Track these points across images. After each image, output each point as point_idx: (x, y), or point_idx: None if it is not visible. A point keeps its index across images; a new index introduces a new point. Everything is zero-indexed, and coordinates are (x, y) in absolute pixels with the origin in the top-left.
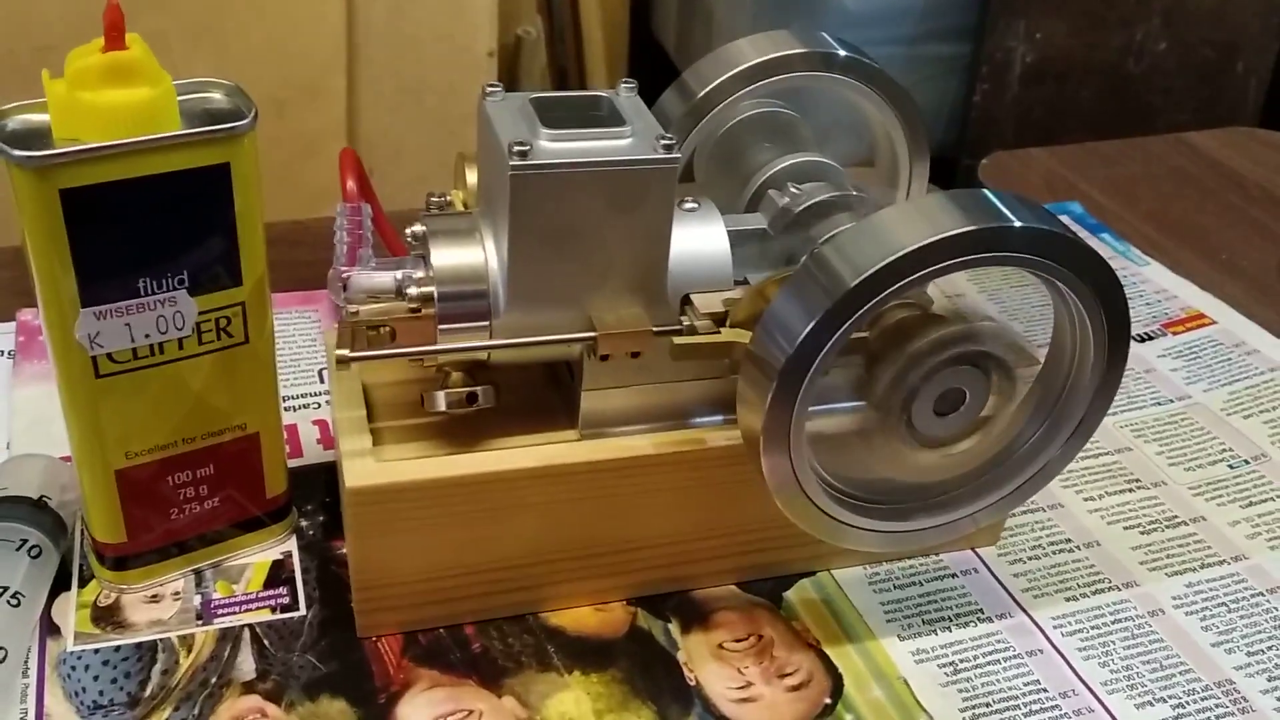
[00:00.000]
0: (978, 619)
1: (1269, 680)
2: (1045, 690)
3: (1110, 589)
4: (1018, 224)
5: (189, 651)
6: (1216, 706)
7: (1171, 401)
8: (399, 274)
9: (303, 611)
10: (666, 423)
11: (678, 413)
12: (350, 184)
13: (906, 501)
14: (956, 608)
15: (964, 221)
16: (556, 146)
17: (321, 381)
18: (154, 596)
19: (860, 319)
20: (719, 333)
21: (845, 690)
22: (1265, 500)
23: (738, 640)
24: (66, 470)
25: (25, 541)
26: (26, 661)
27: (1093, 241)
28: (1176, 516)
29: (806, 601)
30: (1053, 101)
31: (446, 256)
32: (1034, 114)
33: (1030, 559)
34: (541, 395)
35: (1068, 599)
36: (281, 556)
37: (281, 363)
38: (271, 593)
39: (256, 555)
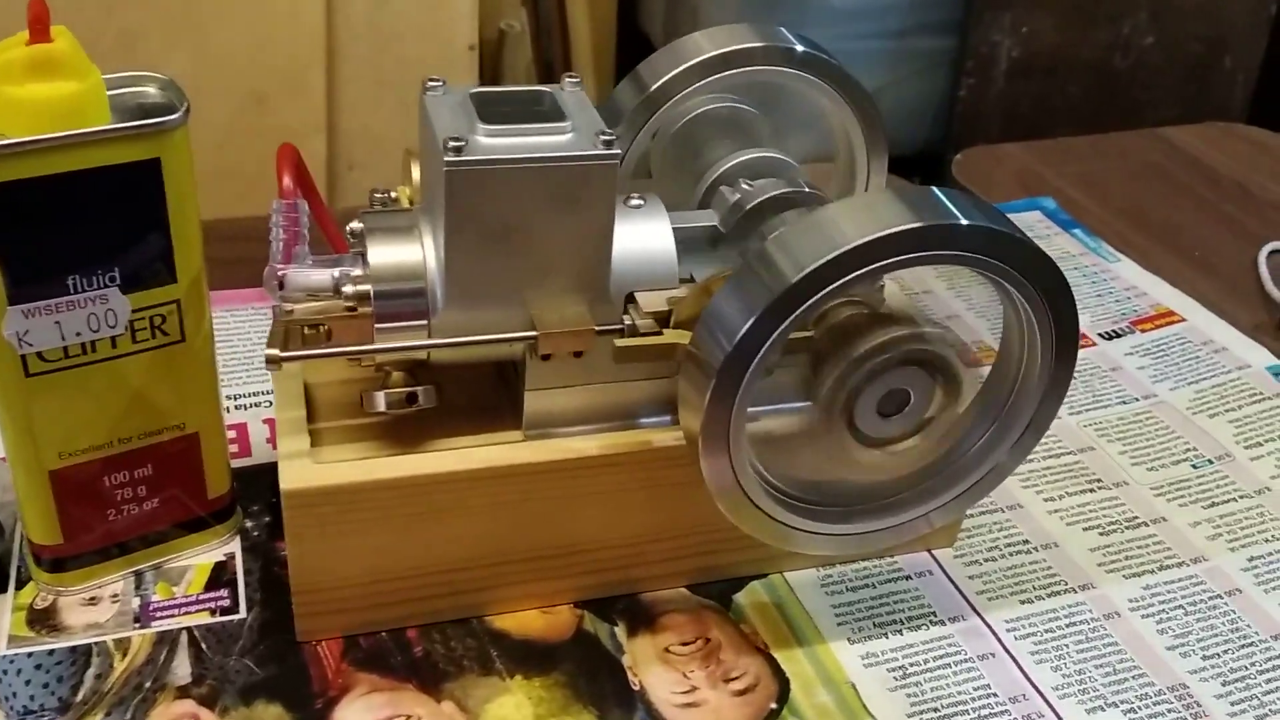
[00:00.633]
0: (930, 622)
1: (1223, 685)
2: (995, 695)
3: (1066, 591)
4: (964, 222)
5: (124, 655)
6: (1169, 712)
7: (1137, 400)
8: (336, 272)
9: (243, 614)
10: (614, 423)
11: (625, 413)
12: (286, 180)
13: (853, 504)
14: (909, 610)
15: (910, 218)
16: (493, 142)
17: None
18: (92, 599)
19: (802, 316)
20: (660, 334)
21: (792, 695)
22: (1228, 501)
23: (684, 644)
24: (4, 471)
25: None
26: None
27: (1064, 238)
28: (1137, 517)
29: (757, 604)
30: (1039, 97)
31: (383, 254)
32: (1020, 109)
33: (987, 560)
34: (489, 395)
35: (1023, 601)
36: (224, 558)
37: (233, 360)
38: (212, 595)
39: (199, 556)
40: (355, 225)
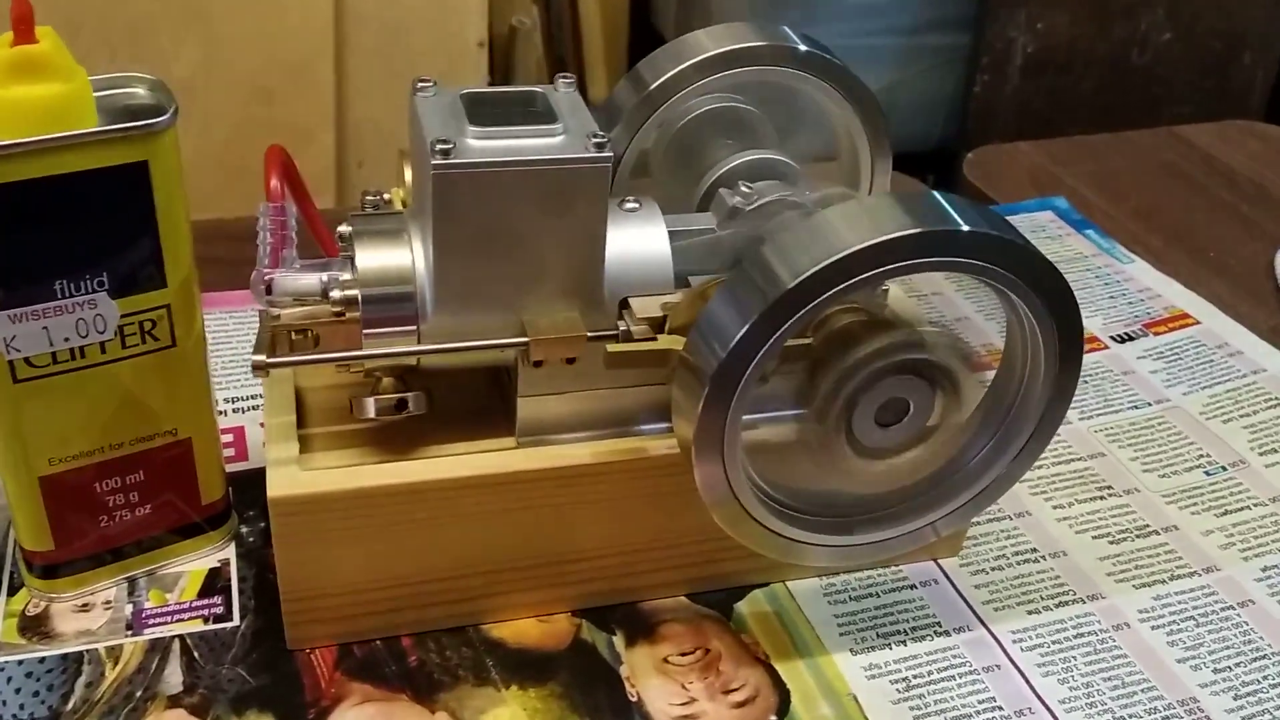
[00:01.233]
0: (935, 632)
1: (1234, 699)
2: (1000, 708)
3: (1074, 601)
4: (965, 228)
5: (115, 663)
6: None
7: (1149, 405)
8: (324, 276)
9: (236, 622)
10: (609, 430)
11: (620, 420)
12: (274, 182)
13: (852, 515)
14: (914, 621)
15: (909, 224)
16: (483, 145)
17: None
18: (84, 605)
19: (798, 323)
20: (655, 340)
21: (792, 707)
22: (1241, 509)
23: (683, 654)
24: None
25: None
26: None
27: (1076, 238)
28: (1148, 526)
29: (758, 614)
30: (1054, 93)
31: (372, 258)
32: (1035, 106)
33: (993, 570)
34: (484, 401)
35: (1030, 612)
36: (219, 564)
37: (231, 364)
38: (205, 602)
39: (193, 563)
40: (344, 229)
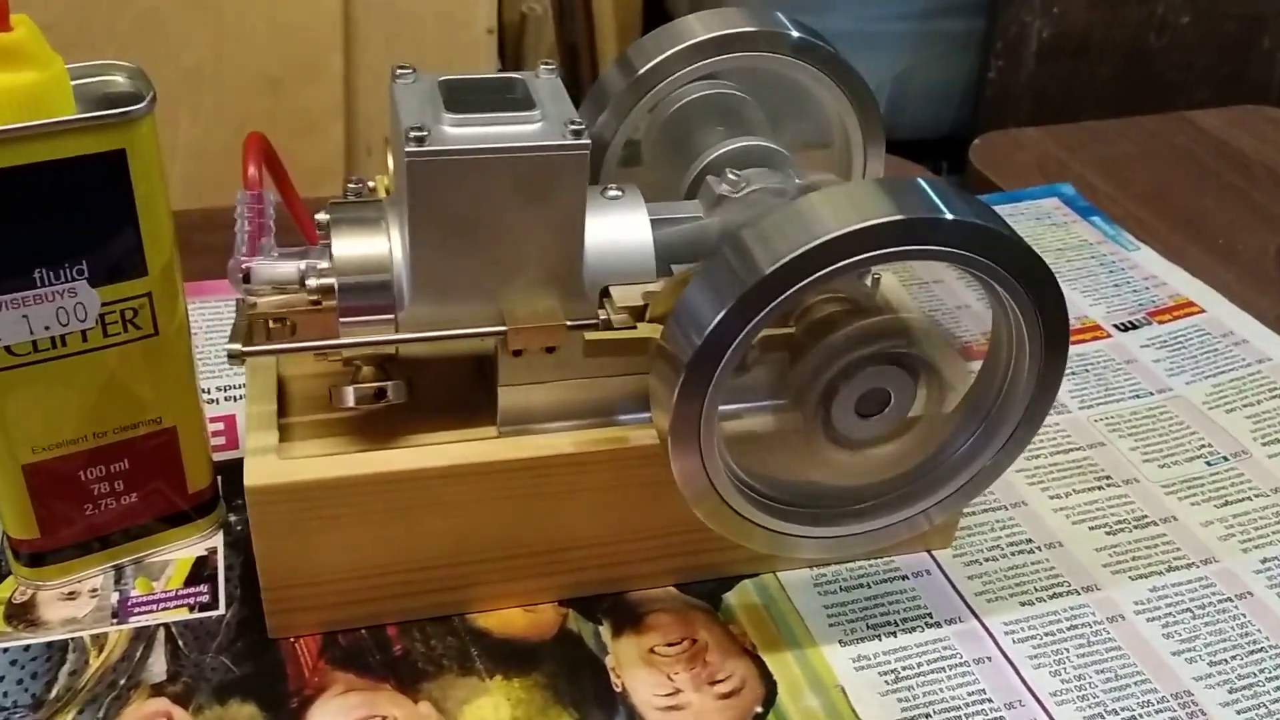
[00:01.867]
0: (926, 624)
1: (1230, 692)
2: (990, 700)
3: (1069, 593)
4: (949, 216)
5: (100, 652)
6: (1171, 719)
7: (1151, 394)
8: (302, 264)
9: (222, 610)
10: (591, 420)
11: (602, 409)
12: (251, 170)
13: (836, 506)
14: (904, 612)
15: (892, 210)
16: (458, 131)
17: None
18: (71, 593)
19: (776, 310)
20: (634, 328)
21: (778, 698)
22: (1242, 500)
23: (670, 644)
24: None
25: None
26: None
27: (1082, 225)
28: (1146, 516)
29: (746, 604)
30: (1070, 78)
31: (348, 246)
32: (1050, 91)
33: (987, 560)
34: (466, 391)
35: (1023, 603)
36: (206, 553)
37: (223, 353)
38: (191, 591)
39: (180, 551)
40: (322, 216)
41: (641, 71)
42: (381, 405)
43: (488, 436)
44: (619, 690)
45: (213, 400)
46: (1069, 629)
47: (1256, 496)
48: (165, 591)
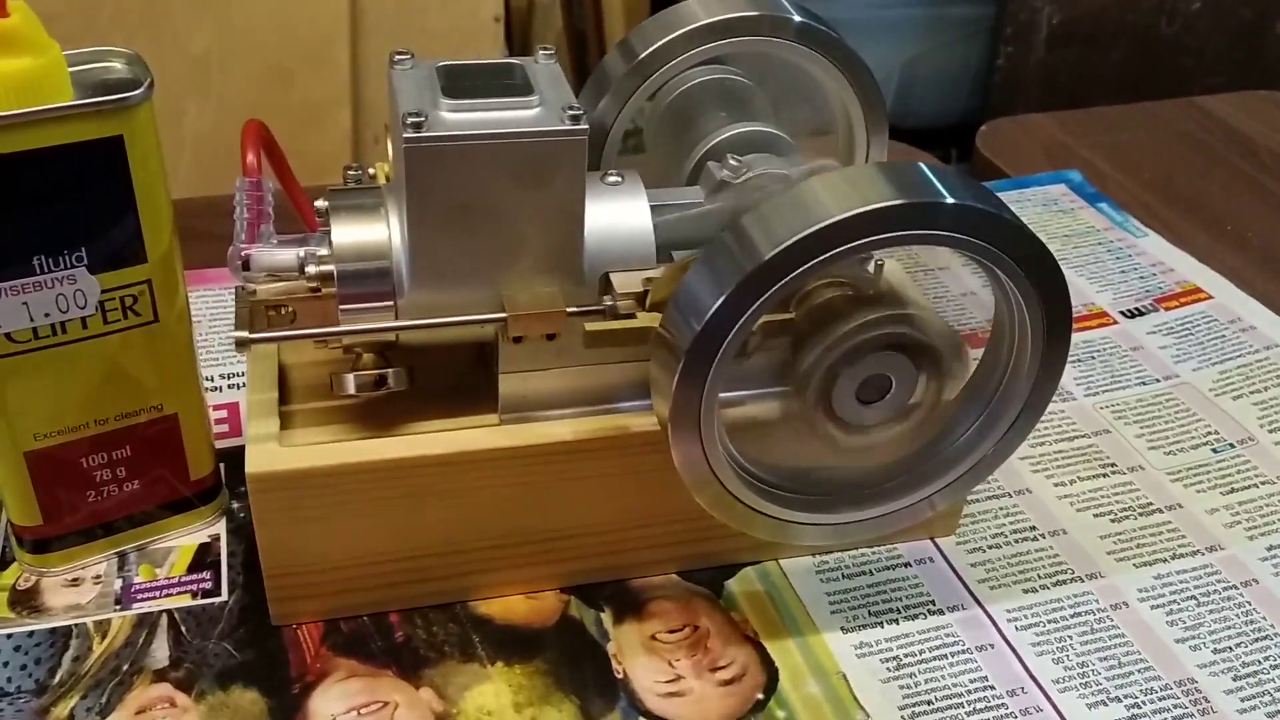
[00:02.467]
0: (928, 611)
1: (1234, 680)
2: (992, 687)
3: (1072, 580)
4: (950, 201)
5: (103, 638)
6: (1175, 707)
7: (1157, 381)
8: (301, 251)
9: (224, 597)
10: (593, 407)
11: (604, 396)
12: (250, 157)
13: (838, 493)
14: (907, 599)
15: (893, 195)
16: (456, 117)
17: None
18: (74, 580)
19: (776, 295)
20: (634, 317)
21: (780, 685)
22: (1248, 487)
23: (671, 631)
24: None
25: None
26: None
27: (1089, 211)
28: (1151, 504)
29: (748, 592)
30: (1080, 65)
31: (347, 233)
32: (1060, 78)
33: (990, 548)
34: (467, 378)
35: (1026, 590)
36: (209, 540)
37: (228, 339)
38: (195, 577)
39: (184, 538)
40: (321, 203)
41: (642, 56)
42: (382, 392)
43: (489, 424)
44: (620, 677)
45: (215, 388)
46: (1072, 616)
47: (1263, 484)
48: (168, 578)
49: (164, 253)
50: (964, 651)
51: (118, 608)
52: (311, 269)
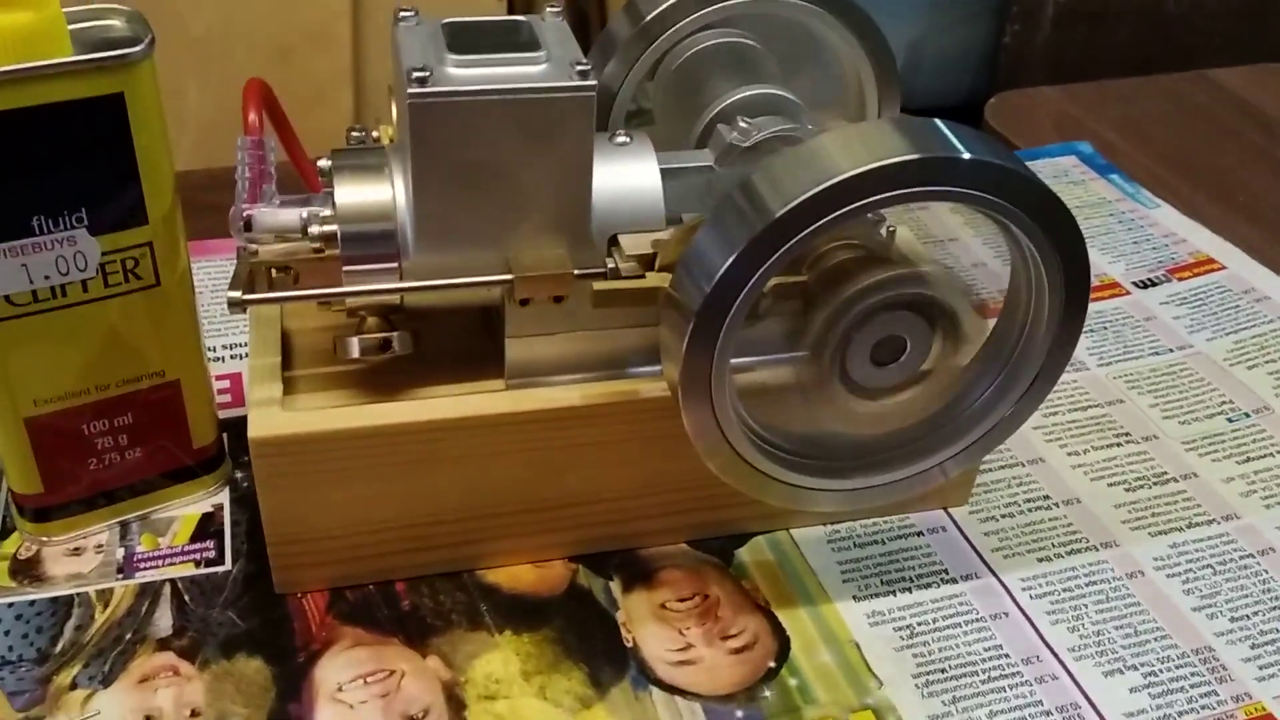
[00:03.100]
0: (941, 580)
1: (1252, 648)
2: (1007, 655)
3: (1087, 549)
4: (966, 156)
5: (105, 606)
6: (1192, 675)
7: (1171, 351)
8: (304, 212)
9: (228, 566)
10: (601, 372)
11: (612, 361)
12: (252, 116)
13: (852, 458)
14: (919, 568)
15: (907, 149)
16: (462, 73)
17: None
18: (76, 549)
19: (787, 255)
20: (643, 277)
21: (792, 653)
22: (1264, 456)
23: (681, 600)
24: None
25: None
26: None
27: (1100, 183)
28: (1166, 473)
29: (759, 561)
30: (1087, 43)
31: (351, 194)
32: (1067, 56)
33: (1004, 517)
34: (474, 343)
35: (1040, 559)
36: (212, 509)
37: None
38: (198, 546)
39: (186, 507)
40: (324, 163)
41: (649, 18)
42: (387, 356)
43: (495, 389)
44: (630, 645)
45: (219, 358)
46: (1087, 585)
47: (1279, 453)
48: (171, 547)
49: (165, 215)
50: (978, 620)
51: (120, 576)
52: (314, 229)
